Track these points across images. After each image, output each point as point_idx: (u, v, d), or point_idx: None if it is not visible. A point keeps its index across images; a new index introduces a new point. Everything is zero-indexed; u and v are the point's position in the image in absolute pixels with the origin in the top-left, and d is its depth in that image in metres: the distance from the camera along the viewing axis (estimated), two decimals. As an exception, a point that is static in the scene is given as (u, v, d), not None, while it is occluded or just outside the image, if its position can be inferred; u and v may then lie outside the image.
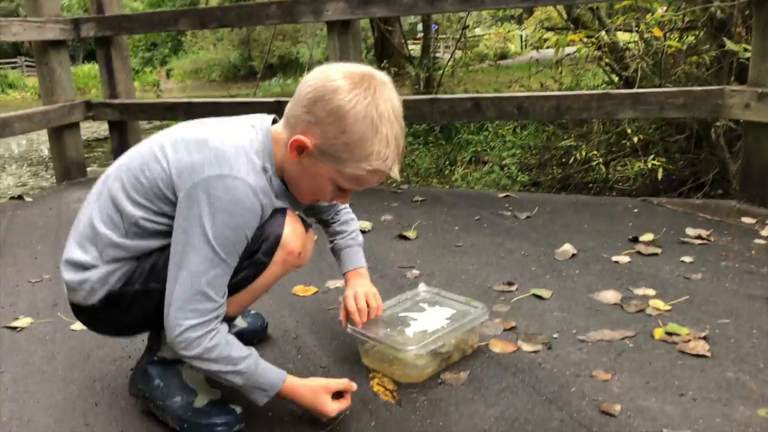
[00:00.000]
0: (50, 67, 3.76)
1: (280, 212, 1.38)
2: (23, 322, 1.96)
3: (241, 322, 1.79)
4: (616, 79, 5.61)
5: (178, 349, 1.27)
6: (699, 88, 2.84)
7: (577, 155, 5.53)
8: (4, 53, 29.46)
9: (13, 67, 28.72)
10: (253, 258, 1.35)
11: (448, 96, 3.06)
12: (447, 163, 7.14)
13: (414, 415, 1.44)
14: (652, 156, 5.11)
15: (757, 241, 2.41)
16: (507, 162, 6.49)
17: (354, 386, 1.43)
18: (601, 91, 2.88)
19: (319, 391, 1.39)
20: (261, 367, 1.34)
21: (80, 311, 1.41)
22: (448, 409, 1.46)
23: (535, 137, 6.91)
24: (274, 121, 1.40)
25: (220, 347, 1.28)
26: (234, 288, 1.34)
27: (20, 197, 3.58)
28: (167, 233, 1.31)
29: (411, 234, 2.65)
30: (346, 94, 1.22)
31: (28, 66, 27.84)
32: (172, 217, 1.29)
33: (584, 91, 3.04)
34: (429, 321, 1.65)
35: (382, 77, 1.28)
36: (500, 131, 7.42)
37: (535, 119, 3.27)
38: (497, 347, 1.71)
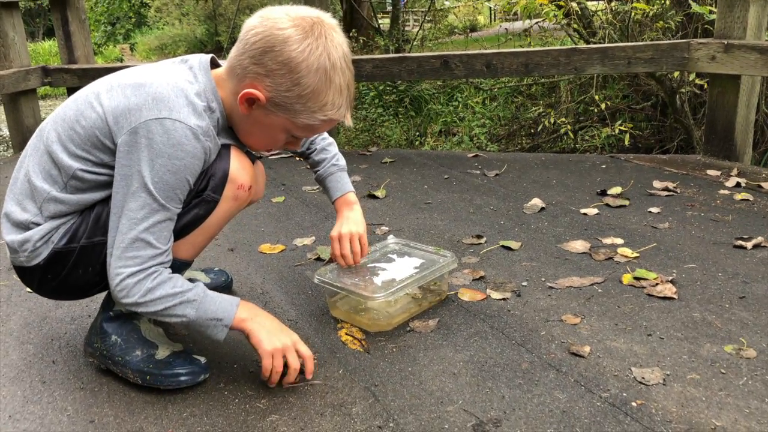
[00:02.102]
0: (2, 30, 3.60)
1: (224, 148, 1.33)
2: (-23, 285, 1.89)
3: (203, 278, 1.74)
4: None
5: (119, 298, 1.22)
6: (665, 41, 2.83)
7: (546, 122, 5.54)
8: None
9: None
10: (203, 196, 1.30)
11: (417, 54, 3.00)
12: (417, 134, 7.10)
13: (383, 362, 1.42)
14: (619, 122, 5.15)
15: (722, 191, 2.42)
16: (476, 132, 6.47)
17: (311, 367, 1.33)
18: (570, 47, 2.86)
19: (285, 329, 1.33)
20: (210, 294, 1.27)
21: (26, 274, 1.34)
22: (417, 355, 1.44)
23: (504, 108, 6.90)
24: (212, 61, 1.34)
25: (163, 285, 1.22)
26: (186, 228, 1.31)
27: (-26, 166, 3.46)
28: (108, 184, 1.25)
29: (380, 193, 2.61)
30: (298, 45, 1.18)
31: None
32: (112, 167, 1.23)
33: (552, 47, 3.01)
34: (398, 270, 1.62)
35: (331, 21, 1.24)
36: (470, 102, 7.40)
37: (504, 76, 3.23)
38: (466, 296, 1.70)
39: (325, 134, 1.68)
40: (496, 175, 2.81)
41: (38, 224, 1.28)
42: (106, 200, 1.27)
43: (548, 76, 6.20)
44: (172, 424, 1.24)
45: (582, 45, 3.01)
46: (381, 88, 7.73)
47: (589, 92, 5.77)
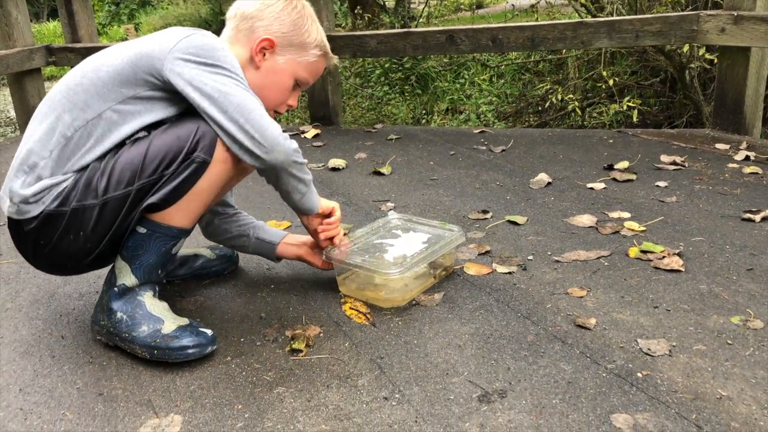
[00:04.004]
0: (5, 9, 3.59)
1: None
2: (-14, 263, 1.90)
3: (210, 254, 1.75)
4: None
5: (286, 148, 1.30)
6: (674, 13, 2.79)
7: (553, 99, 5.49)
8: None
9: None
10: (192, 157, 1.29)
11: (422, 29, 2.98)
12: (424, 112, 7.05)
13: (388, 335, 1.42)
14: (627, 99, 5.10)
15: (731, 165, 2.40)
16: (483, 110, 6.43)
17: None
18: (576, 20, 2.82)
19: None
20: None
21: (21, 240, 1.36)
22: (423, 328, 1.44)
23: (512, 86, 6.84)
24: None
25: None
26: (176, 192, 1.30)
27: (-19, 147, 3.47)
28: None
29: (385, 170, 2.60)
30: (287, 4, 1.46)
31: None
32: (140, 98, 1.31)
33: (559, 21, 2.97)
34: (406, 245, 1.62)
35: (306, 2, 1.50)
36: (476, 80, 7.34)
37: (510, 50, 3.20)
38: (472, 270, 1.69)
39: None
40: (503, 150, 2.79)
41: (42, 178, 1.31)
42: (99, 161, 1.30)
43: (555, 51, 6.14)
44: (180, 396, 1.25)
45: (589, 18, 2.97)
46: (387, 66, 7.67)
47: (597, 68, 5.71)
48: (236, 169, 1.36)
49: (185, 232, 1.39)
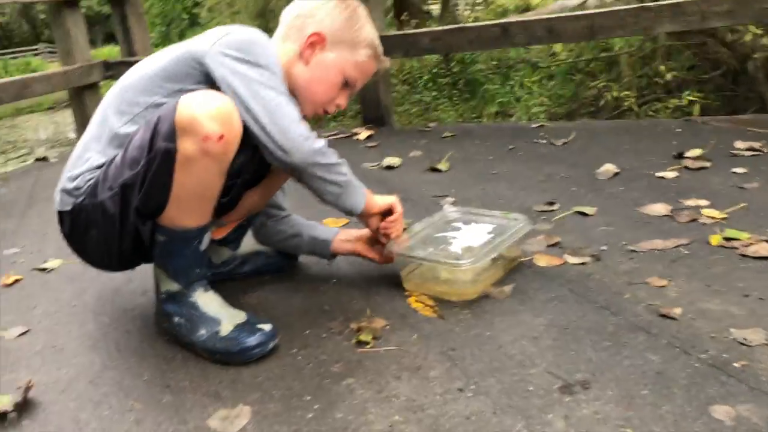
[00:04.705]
0: (65, 29, 3.71)
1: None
2: (52, 264, 1.93)
3: (270, 251, 1.72)
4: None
5: (306, 149, 1.26)
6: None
7: (608, 97, 5.33)
8: (26, 41, 29.68)
9: (35, 54, 28.92)
10: (154, 148, 1.19)
11: (476, 24, 2.92)
12: (473, 117, 6.96)
13: (458, 327, 1.36)
14: (687, 93, 4.90)
15: (814, 150, 2.25)
16: (535, 111, 6.30)
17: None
18: (637, 5, 2.71)
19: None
20: None
21: (65, 233, 1.37)
22: (494, 320, 1.38)
23: (563, 87, 6.69)
24: None
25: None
26: (157, 189, 1.22)
27: (45, 159, 3.58)
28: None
29: (443, 166, 2.54)
30: (340, 3, 1.43)
31: (50, 52, 27.97)
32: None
33: (618, 7, 2.86)
34: (471, 237, 1.56)
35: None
36: (526, 82, 7.21)
37: (566, 41, 3.11)
38: (542, 261, 1.62)
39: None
40: (564, 143, 2.70)
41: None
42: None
43: (607, 49, 5.97)
44: (247, 388, 1.22)
45: (650, 2, 2.85)
46: (434, 71, 7.63)
47: (651, 64, 5.52)
48: (221, 154, 1.20)
49: (203, 229, 1.31)
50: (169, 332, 1.38)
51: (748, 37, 4.01)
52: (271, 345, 1.32)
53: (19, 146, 3.83)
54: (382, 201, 1.46)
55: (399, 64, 7.29)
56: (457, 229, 1.63)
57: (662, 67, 5.03)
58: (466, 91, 7.68)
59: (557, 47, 7.09)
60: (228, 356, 1.30)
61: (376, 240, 1.55)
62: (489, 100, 7.41)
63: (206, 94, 1.21)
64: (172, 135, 1.18)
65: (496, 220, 1.63)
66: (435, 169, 2.53)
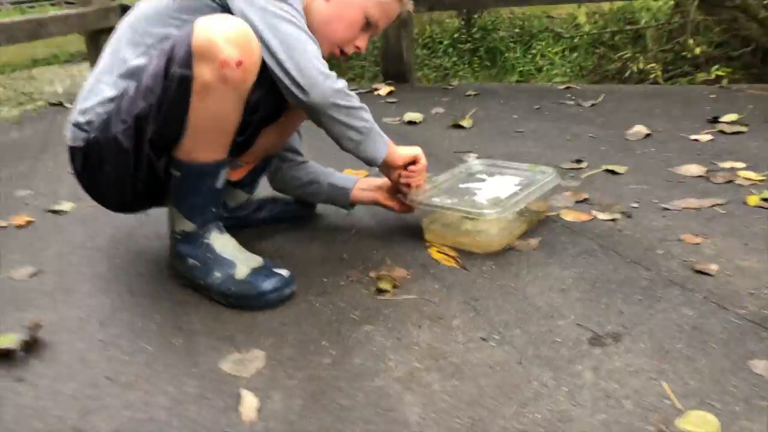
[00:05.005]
0: (82, -29, 3.62)
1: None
2: (66, 206, 1.89)
3: (288, 198, 1.67)
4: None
5: (326, 88, 1.19)
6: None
7: (634, 67, 5.18)
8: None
9: (52, 4, 28.79)
10: (169, 75, 1.13)
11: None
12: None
13: (481, 278, 1.31)
14: (716, 67, 4.75)
15: None
16: (557, 81, 6.16)
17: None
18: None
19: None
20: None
21: (76, 171, 1.30)
22: (519, 272, 1.32)
23: (585, 59, 6.53)
24: None
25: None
26: (173, 119, 1.16)
27: (60, 104, 3.55)
28: None
29: (466, 122, 2.47)
30: None
31: (67, 2, 27.81)
32: None
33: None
34: (496, 188, 1.49)
35: None
36: (548, 53, 7.05)
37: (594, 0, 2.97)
38: (569, 216, 1.55)
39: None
40: (592, 104, 2.61)
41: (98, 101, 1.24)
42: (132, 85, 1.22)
43: (633, 22, 5.79)
44: (262, 333, 1.18)
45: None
46: (455, 36, 7.48)
47: (679, 39, 5.36)
48: (242, 82, 1.14)
49: (220, 164, 1.25)
50: (182, 275, 1.34)
51: None
52: (288, 291, 1.27)
53: (35, 97, 3.79)
54: (406, 152, 1.40)
55: (420, 26, 7.14)
56: (482, 180, 1.57)
57: (691, 41, 4.86)
58: (487, 58, 7.53)
59: (581, 18, 6.93)
60: (243, 300, 1.25)
61: (397, 190, 1.49)
62: (510, 69, 7.26)
63: (223, 18, 1.13)
64: (188, 61, 1.11)
65: (522, 173, 1.57)
66: (458, 126, 2.45)
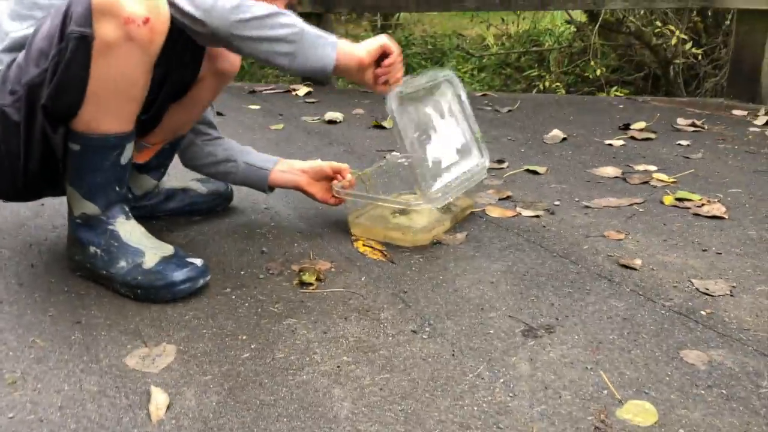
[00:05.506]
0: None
1: None
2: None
3: (200, 188, 1.56)
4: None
5: (221, 7, 1.04)
6: (693, -26, 2.67)
7: (540, 86, 5.37)
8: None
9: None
10: (66, 35, 1.00)
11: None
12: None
13: (409, 271, 1.25)
14: (614, 88, 5.00)
15: (752, 129, 2.29)
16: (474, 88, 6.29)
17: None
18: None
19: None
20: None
21: None
22: (447, 264, 1.28)
23: (493, 79, 6.73)
24: None
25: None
26: (71, 84, 1.03)
27: None
28: None
29: (387, 123, 2.43)
30: None
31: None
32: None
33: (572, -21, 2.83)
34: (441, 145, 1.39)
35: None
36: (458, 72, 7.20)
37: (519, 9, 3.06)
38: (495, 212, 1.54)
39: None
40: (509, 111, 2.64)
41: None
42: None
43: (537, 44, 6.03)
44: (172, 326, 1.07)
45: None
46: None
47: (578, 62, 5.62)
48: (152, 44, 1.03)
49: (125, 137, 1.12)
50: (81, 266, 1.20)
51: (673, 41, 4.09)
52: (201, 282, 1.16)
53: None
54: (370, 45, 1.18)
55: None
56: (442, 117, 1.46)
57: (593, 62, 5.10)
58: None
59: (489, 40, 7.18)
60: (151, 292, 1.13)
61: (321, 176, 1.42)
62: (421, 85, 7.35)
63: None
64: (87, 18, 0.99)
65: (467, 133, 1.49)
66: (379, 126, 2.41)
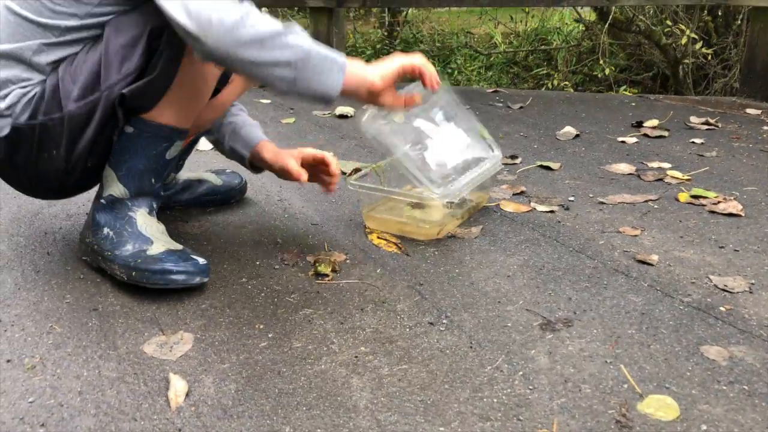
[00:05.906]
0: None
1: None
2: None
3: (215, 180, 1.56)
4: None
5: (221, 26, 0.92)
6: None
7: (549, 84, 5.36)
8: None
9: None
10: (158, 45, 1.03)
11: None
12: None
13: (425, 263, 1.25)
14: (623, 87, 4.98)
15: (766, 128, 2.27)
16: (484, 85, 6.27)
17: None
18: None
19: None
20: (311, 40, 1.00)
21: (3, 160, 1.13)
22: (463, 258, 1.27)
23: (500, 77, 6.71)
24: None
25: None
26: (154, 84, 1.05)
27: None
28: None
29: (398, 118, 2.42)
30: None
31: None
32: None
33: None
34: (446, 146, 1.39)
35: None
36: (465, 70, 7.18)
37: (532, 5, 3.03)
38: (509, 207, 1.53)
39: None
40: (521, 107, 2.63)
41: (14, 84, 1.08)
42: (67, 62, 1.08)
43: (546, 43, 6.01)
44: (189, 314, 1.07)
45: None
46: (378, 47, 7.49)
47: (586, 62, 5.61)
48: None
49: (179, 133, 1.15)
50: (88, 248, 1.19)
51: (683, 41, 4.07)
52: (198, 279, 1.12)
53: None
54: (383, 70, 1.04)
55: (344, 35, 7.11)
56: (435, 123, 1.47)
57: (601, 61, 5.08)
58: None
59: (497, 38, 7.15)
60: (145, 275, 1.10)
61: (304, 160, 1.35)
62: (427, 84, 7.32)
63: None
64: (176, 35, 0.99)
65: (471, 126, 1.50)
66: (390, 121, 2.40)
